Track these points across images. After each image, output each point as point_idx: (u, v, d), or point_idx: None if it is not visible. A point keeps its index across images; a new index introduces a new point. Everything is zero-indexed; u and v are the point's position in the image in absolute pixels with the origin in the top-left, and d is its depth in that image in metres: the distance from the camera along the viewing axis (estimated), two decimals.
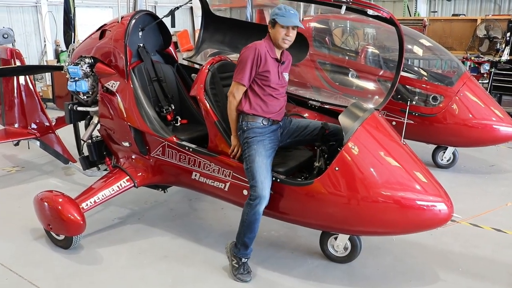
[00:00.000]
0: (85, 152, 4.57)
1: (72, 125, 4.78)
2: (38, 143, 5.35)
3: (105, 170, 4.64)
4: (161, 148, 3.84)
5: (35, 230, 4.03)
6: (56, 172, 5.65)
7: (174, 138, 3.74)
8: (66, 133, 5.41)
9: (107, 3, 12.65)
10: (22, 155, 6.19)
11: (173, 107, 4.30)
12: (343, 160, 2.99)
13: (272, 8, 3.35)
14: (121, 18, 4.06)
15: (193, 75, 4.64)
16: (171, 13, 4.27)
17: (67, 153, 5.09)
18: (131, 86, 3.90)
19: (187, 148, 3.64)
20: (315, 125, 3.54)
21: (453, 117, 5.27)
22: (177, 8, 4.30)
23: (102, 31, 4.18)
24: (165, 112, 4.20)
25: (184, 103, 4.45)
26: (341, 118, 3.20)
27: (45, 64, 10.83)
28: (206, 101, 3.53)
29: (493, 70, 7.02)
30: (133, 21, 3.98)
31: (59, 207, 3.65)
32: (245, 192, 3.36)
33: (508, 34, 7.21)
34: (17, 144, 5.91)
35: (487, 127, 5.23)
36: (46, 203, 3.73)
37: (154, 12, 4.45)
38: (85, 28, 6.12)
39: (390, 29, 6.69)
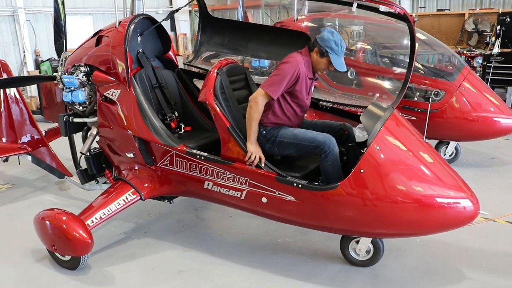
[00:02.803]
0: (83, 165, 4.35)
1: (65, 137, 4.53)
2: (29, 158, 5.09)
3: (105, 183, 4.44)
4: (169, 158, 3.66)
5: (36, 251, 3.79)
6: (50, 187, 5.39)
7: (184, 147, 3.56)
8: (58, 146, 5.18)
9: (87, 10, 12.29)
10: (12, 171, 5.89)
11: (176, 114, 4.13)
12: (368, 162, 2.88)
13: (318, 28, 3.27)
14: (119, 23, 3.87)
15: (195, 79, 4.50)
16: (170, 16, 4.10)
17: (62, 167, 4.85)
18: (133, 94, 3.71)
19: (198, 156, 3.47)
20: (324, 124, 3.54)
21: (456, 112, 5.24)
22: (176, 10, 4.14)
23: (99, 37, 3.98)
24: (168, 119, 4.03)
25: (187, 109, 4.29)
26: (363, 119, 3.09)
27: (25, 75, 10.45)
28: (216, 106, 3.37)
29: (485, 63, 7.06)
30: (132, 25, 3.79)
31: (64, 225, 3.43)
32: (264, 199, 3.22)
33: (498, 27, 7.26)
34: (6, 160, 5.60)
35: (490, 120, 5.22)
36: (48, 222, 3.50)
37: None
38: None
39: (382, 25, 6.63)
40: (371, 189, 2.88)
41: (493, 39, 7.85)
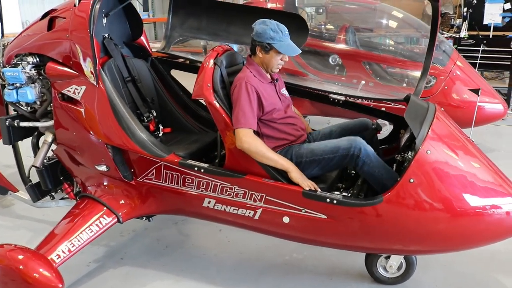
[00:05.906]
0: (33, 177, 3.50)
1: (8, 145, 3.62)
2: None
3: (62, 199, 3.63)
4: (154, 171, 2.95)
5: None
6: None
7: (174, 157, 2.86)
8: None
9: None
10: None
11: (154, 114, 3.41)
12: (419, 170, 2.38)
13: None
14: (78, 0, 3.03)
15: (172, 70, 3.77)
16: None
17: (4, 181, 3.94)
18: (105, 90, 2.92)
19: (196, 168, 2.79)
20: (341, 127, 3.05)
21: (448, 99, 4.94)
22: None
23: (51, 18, 3.12)
24: (146, 120, 3.31)
25: (166, 107, 3.58)
26: (408, 118, 2.59)
27: None
28: (216, 103, 2.71)
29: (456, 46, 6.90)
30: (98, 4, 2.97)
31: (21, 266, 2.62)
32: (285, 219, 2.63)
33: (465, 9, 7.12)
34: None
35: (481, 106, 4.98)
36: None
37: None
38: None
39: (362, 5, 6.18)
40: (422, 201, 2.39)
41: (458, 21, 7.73)
